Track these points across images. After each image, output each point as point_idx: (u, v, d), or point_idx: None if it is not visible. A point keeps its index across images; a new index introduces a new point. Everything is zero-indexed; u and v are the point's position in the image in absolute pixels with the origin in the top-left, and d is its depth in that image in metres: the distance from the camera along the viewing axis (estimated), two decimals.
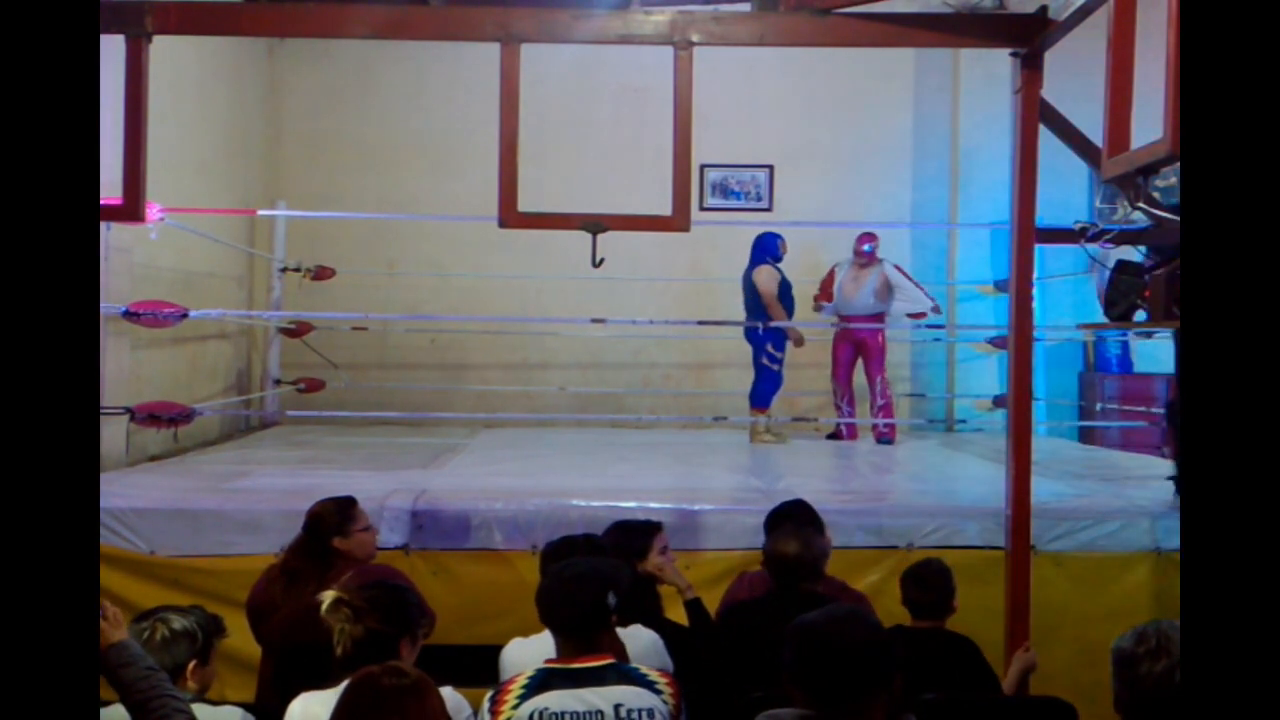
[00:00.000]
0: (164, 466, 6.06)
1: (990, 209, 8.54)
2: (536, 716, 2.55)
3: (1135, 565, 4.64)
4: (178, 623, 2.77)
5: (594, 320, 7.91)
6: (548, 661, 2.70)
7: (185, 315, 6.22)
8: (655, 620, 3.29)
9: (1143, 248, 4.09)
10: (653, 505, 4.62)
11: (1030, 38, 3.79)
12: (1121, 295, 4.17)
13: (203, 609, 2.93)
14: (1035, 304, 4.67)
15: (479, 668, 3.24)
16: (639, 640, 2.99)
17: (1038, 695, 3.57)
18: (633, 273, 7.96)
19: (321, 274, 8.62)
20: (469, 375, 9.11)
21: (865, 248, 7.68)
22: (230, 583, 4.14)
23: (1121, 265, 4.18)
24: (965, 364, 8.91)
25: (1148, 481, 5.38)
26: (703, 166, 8.85)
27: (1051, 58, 3.86)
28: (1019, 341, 4.03)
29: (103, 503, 3.92)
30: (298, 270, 8.57)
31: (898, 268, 7.78)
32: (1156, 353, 8.53)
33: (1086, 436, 8.65)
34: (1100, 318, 4.73)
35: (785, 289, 7.58)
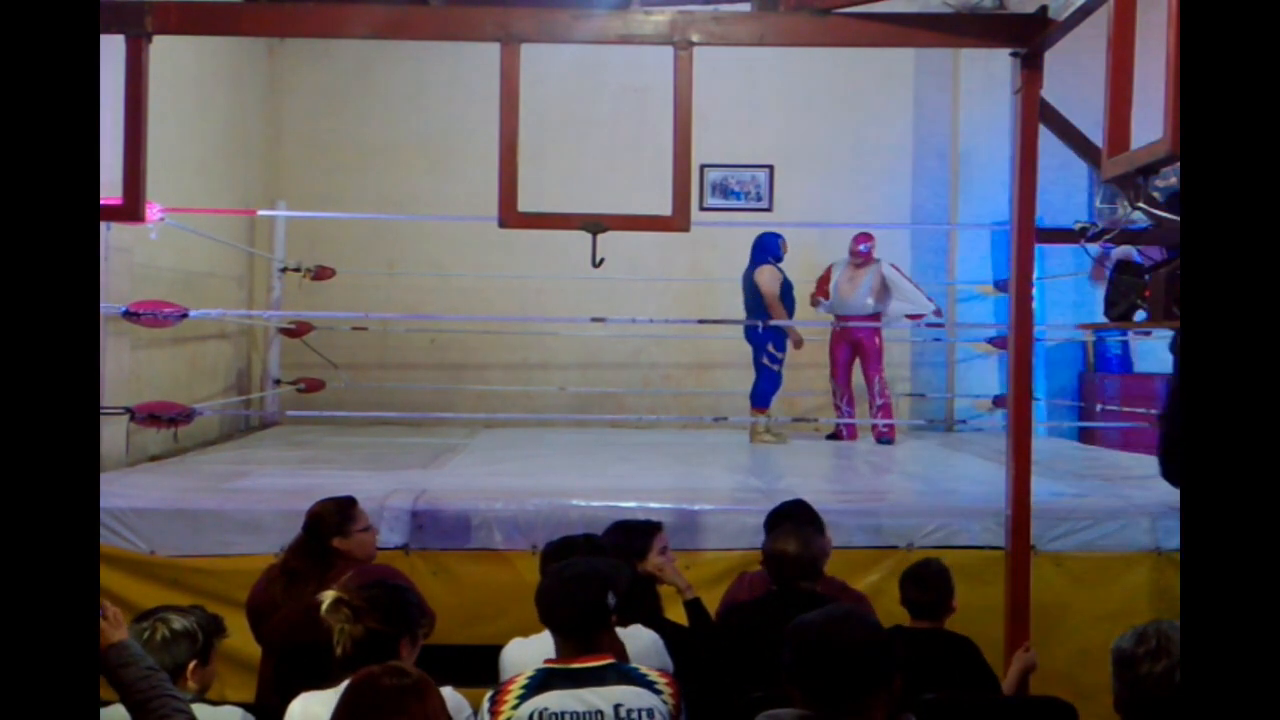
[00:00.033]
0: (164, 466, 6.06)
1: (990, 209, 8.54)
2: (536, 716, 2.55)
3: (1135, 565, 4.64)
4: (178, 623, 2.77)
5: (594, 319, 7.91)
6: (548, 661, 2.70)
7: (185, 315, 6.22)
8: (655, 620, 3.29)
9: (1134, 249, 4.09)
10: (653, 505, 4.62)
11: (1030, 38, 3.79)
12: (1121, 295, 4.17)
13: (203, 609, 2.93)
14: (1035, 304, 4.66)
15: (479, 668, 3.25)
16: (639, 640, 2.99)
17: (1038, 695, 3.57)
18: (633, 273, 7.97)
19: (321, 274, 8.62)
20: (469, 375, 9.11)
21: (861, 248, 7.67)
22: (230, 583, 4.14)
23: (1121, 265, 4.19)
24: (965, 364, 8.91)
25: (1148, 481, 5.37)
26: (703, 166, 8.85)
27: (1051, 58, 3.86)
28: (1019, 341, 4.03)
29: (103, 503, 3.92)
30: (298, 270, 8.57)
31: (897, 268, 7.78)
32: (1156, 353, 8.54)
33: (1086, 436, 8.65)
34: (1102, 317, 4.73)
35: (786, 289, 7.59)
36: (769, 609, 3.24)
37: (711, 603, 3.74)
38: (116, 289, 5.95)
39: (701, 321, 8.01)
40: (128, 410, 5.87)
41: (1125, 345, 9.02)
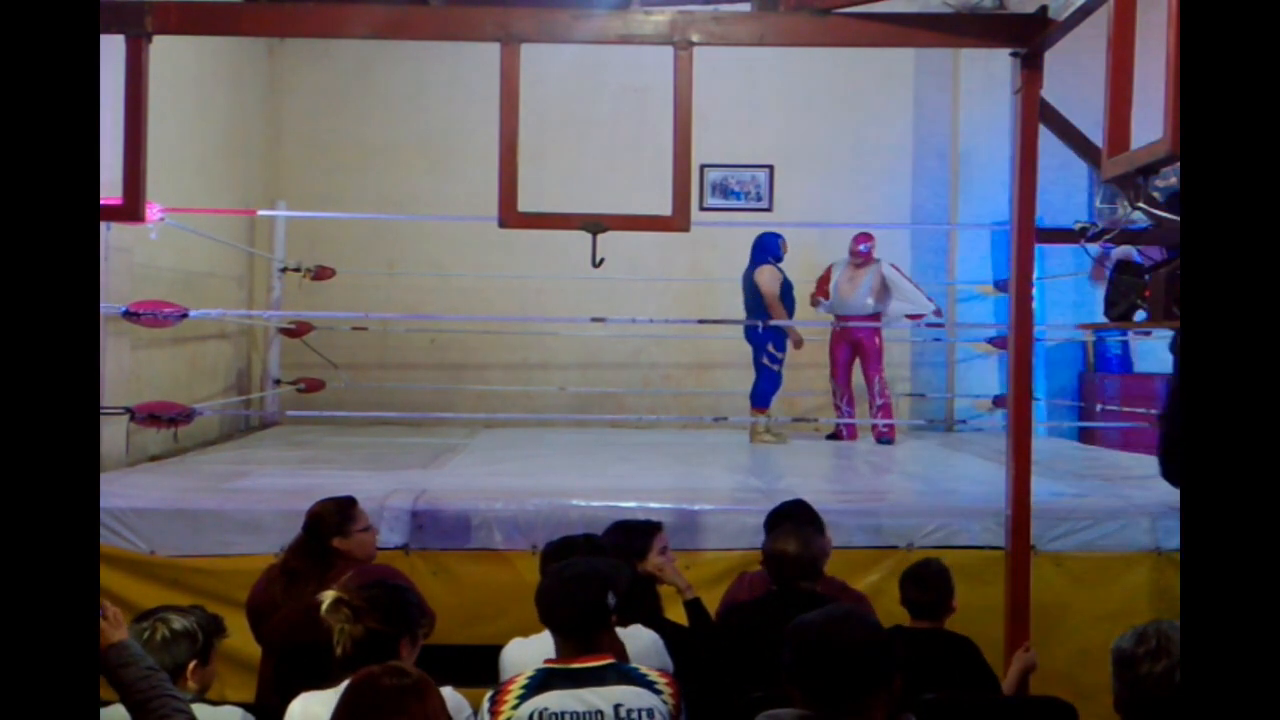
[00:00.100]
0: (164, 466, 6.06)
1: (990, 209, 8.54)
2: (536, 716, 2.55)
3: (1135, 565, 4.64)
4: (178, 623, 2.77)
5: (594, 319, 7.91)
6: (547, 661, 2.70)
7: (185, 315, 6.22)
8: (655, 620, 3.29)
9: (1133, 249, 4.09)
10: (653, 505, 4.62)
11: (1030, 38, 3.79)
12: (1121, 295, 4.17)
13: (203, 609, 2.93)
14: (1035, 304, 4.66)
15: (479, 668, 3.24)
16: (639, 640, 2.99)
17: (1038, 695, 3.57)
18: (633, 273, 7.96)
19: (321, 274, 8.62)
20: (469, 375, 9.11)
21: (861, 248, 7.68)
22: (230, 583, 4.14)
23: (1121, 265, 4.19)
24: (965, 364, 8.91)
25: (1148, 481, 5.36)
26: (703, 166, 8.85)
27: (1051, 58, 3.87)
28: (1019, 341, 4.03)
29: (103, 503, 3.92)
30: (298, 270, 8.57)
31: (897, 269, 7.78)
32: (1156, 353, 8.54)
33: (1086, 436, 8.65)
34: (1102, 317, 4.73)
35: (787, 289, 7.59)
36: (769, 609, 3.24)
37: (711, 603, 3.74)
38: (116, 289, 5.95)
39: (701, 321, 8.01)
40: (128, 410, 5.87)
41: (1125, 345, 9.02)
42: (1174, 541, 4.50)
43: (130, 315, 5.95)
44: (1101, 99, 2.85)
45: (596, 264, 3.86)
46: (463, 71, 8.72)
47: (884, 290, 7.64)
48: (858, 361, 7.81)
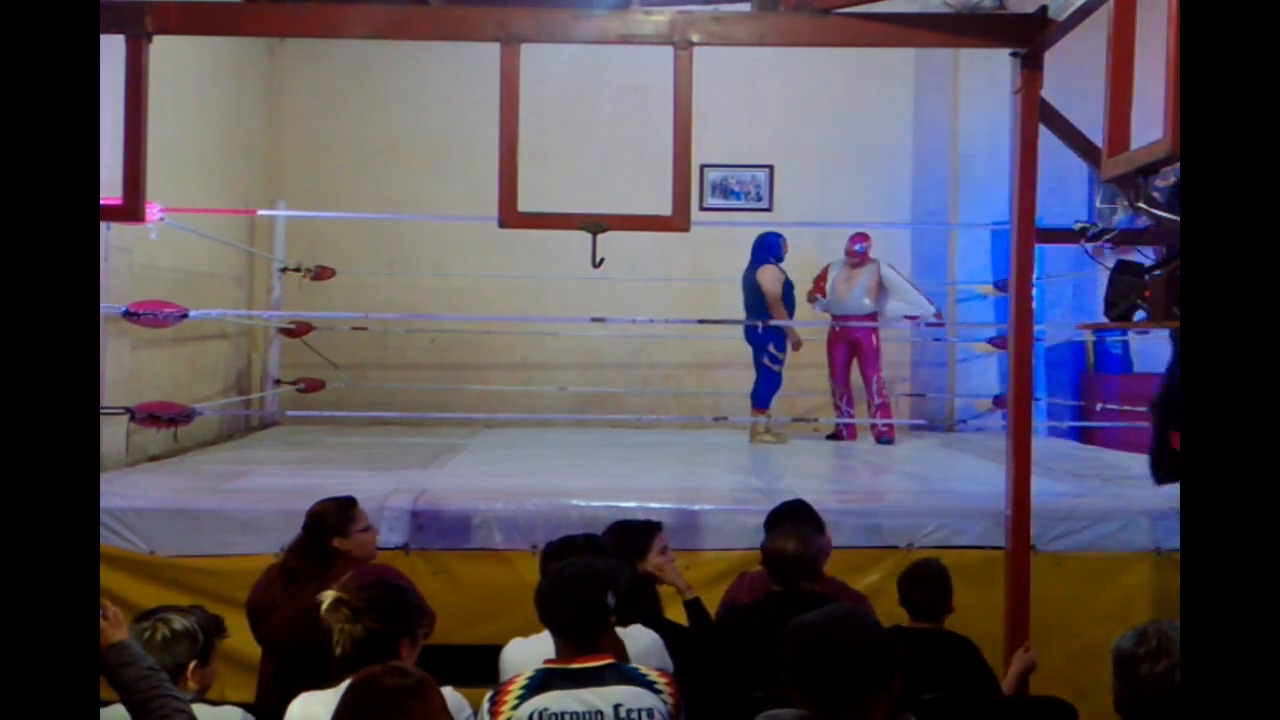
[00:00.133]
0: (164, 466, 6.06)
1: (990, 209, 8.54)
2: (536, 717, 2.55)
3: (1135, 565, 4.64)
4: (178, 623, 2.77)
5: (594, 319, 7.91)
6: (547, 662, 2.70)
7: (185, 315, 6.23)
8: (655, 620, 3.29)
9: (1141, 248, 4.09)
10: (653, 505, 4.62)
11: (1030, 38, 3.79)
12: (1121, 295, 4.16)
13: (203, 609, 2.93)
14: (1035, 304, 4.66)
15: (479, 668, 3.24)
16: (639, 640, 2.99)
17: (1038, 695, 3.57)
18: (633, 273, 7.96)
19: (321, 274, 8.62)
20: (469, 375, 9.11)
21: (857, 247, 7.69)
22: (230, 583, 4.14)
23: (1121, 265, 4.18)
24: (965, 364, 8.91)
25: (1148, 481, 5.37)
26: (703, 166, 8.85)
27: (1051, 58, 3.86)
28: (1019, 341, 4.03)
29: (103, 503, 3.92)
30: (298, 270, 8.57)
31: (897, 271, 7.79)
32: (1156, 353, 8.53)
33: (1086, 436, 8.65)
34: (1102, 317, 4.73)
35: (788, 289, 7.59)
36: (769, 609, 3.24)
37: (711, 603, 3.74)
38: (116, 289, 5.95)
39: (701, 321, 8.01)
40: (128, 410, 5.87)
41: (1125, 345, 9.02)
42: (1174, 541, 4.51)
43: (130, 315, 5.95)
44: (1101, 99, 2.85)
45: (596, 264, 3.86)
46: (463, 71, 8.71)
47: (880, 289, 7.64)
48: (856, 361, 7.81)
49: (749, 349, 7.72)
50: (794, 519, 3.62)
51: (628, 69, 8.54)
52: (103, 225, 4.45)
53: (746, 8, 3.96)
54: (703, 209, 8.85)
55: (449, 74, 8.95)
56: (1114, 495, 5.23)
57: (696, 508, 4.72)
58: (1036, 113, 3.93)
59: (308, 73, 9.31)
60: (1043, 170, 3.94)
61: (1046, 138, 4.03)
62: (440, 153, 9.14)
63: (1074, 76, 4.63)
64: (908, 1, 5.04)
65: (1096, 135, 3.19)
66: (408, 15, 3.88)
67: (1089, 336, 8.94)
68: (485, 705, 2.63)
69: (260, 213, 8.30)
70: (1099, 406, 8.29)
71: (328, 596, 2.66)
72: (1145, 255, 4.15)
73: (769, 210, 9.18)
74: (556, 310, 8.82)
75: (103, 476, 4.27)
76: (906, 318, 7.74)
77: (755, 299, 7.62)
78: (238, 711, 2.70)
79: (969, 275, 8.97)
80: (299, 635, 2.96)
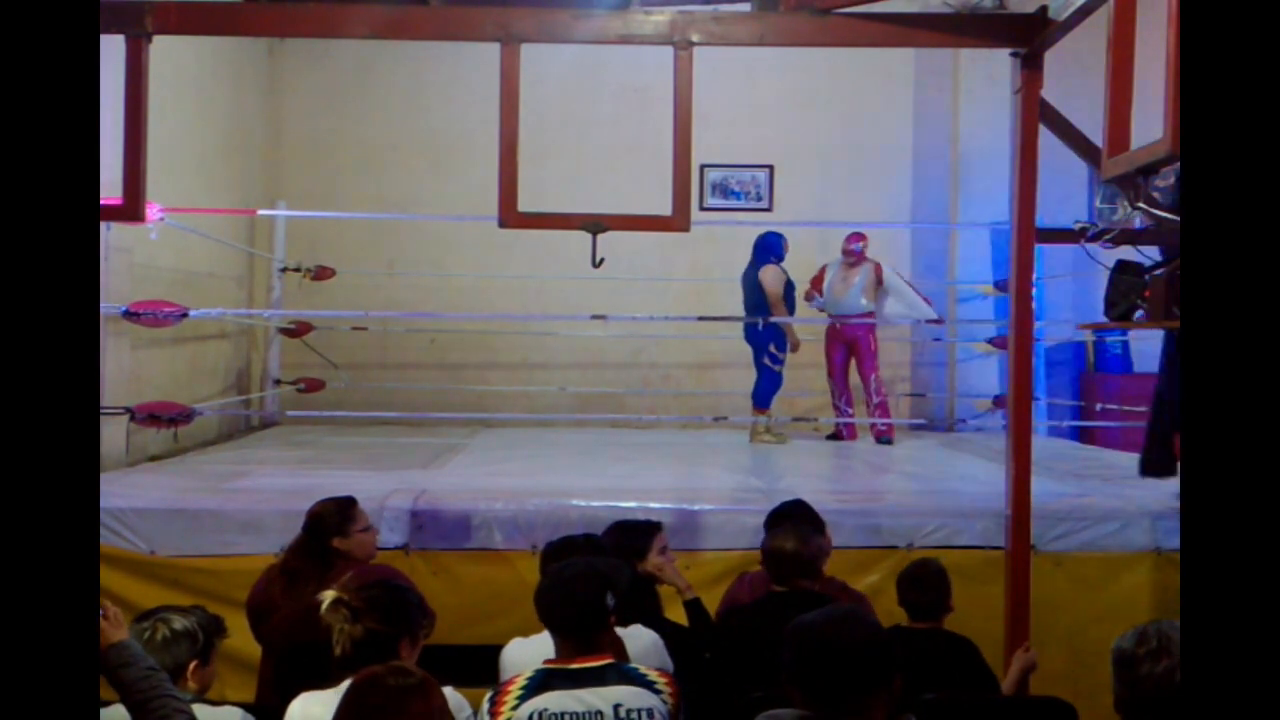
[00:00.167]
0: (164, 466, 6.06)
1: (990, 209, 8.53)
2: (536, 717, 2.55)
3: (1135, 565, 4.64)
4: (179, 623, 2.77)
5: (594, 317, 7.91)
6: (547, 662, 2.70)
7: (185, 315, 6.23)
8: (655, 620, 3.29)
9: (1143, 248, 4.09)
10: (653, 505, 4.62)
11: (1030, 38, 3.79)
12: (1121, 295, 4.16)
13: (204, 609, 2.93)
14: (1035, 304, 4.66)
15: (479, 668, 3.24)
16: (639, 640, 2.98)
17: (1037, 695, 3.57)
18: (633, 273, 7.96)
19: (321, 274, 8.62)
20: (469, 375, 9.11)
21: (854, 246, 7.69)
22: (230, 583, 4.15)
23: (1121, 265, 4.18)
24: (965, 364, 8.91)
25: (1148, 481, 5.38)
26: (703, 166, 8.85)
27: (1051, 58, 3.86)
28: (1019, 341, 4.03)
29: (103, 503, 3.92)
30: (298, 270, 8.57)
31: (898, 274, 7.79)
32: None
33: (1086, 436, 8.64)
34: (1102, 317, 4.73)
35: (789, 289, 7.60)
36: (769, 609, 3.24)
37: (711, 603, 3.74)
38: (116, 289, 5.95)
39: (701, 319, 8.00)
40: (128, 410, 5.87)
41: (1125, 345, 9.02)
42: (1174, 541, 4.50)
43: (130, 315, 5.96)
44: (1101, 99, 2.85)
45: (596, 264, 3.86)
46: (463, 71, 8.71)
47: (878, 289, 7.65)
48: (854, 361, 7.81)
49: (749, 349, 7.72)
50: (794, 519, 3.62)
51: (628, 69, 8.54)
52: (103, 225, 4.45)
53: (746, 8, 3.96)
54: (703, 209, 8.85)
55: (449, 74, 8.95)
56: (1114, 495, 5.23)
57: (696, 508, 4.72)
58: (1036, 113, 3.93)
59: (308, 73, 9.31)
60: (1043, 170, 3.94)
61: (1046, 137, 4.03)
62: (440, 153, 9.14)
63: (1074, 76, 4.63)
64: (908, 1, 5.04)
65: (1096, 135, 3.19)
66: (408, 15, 3.88)
67: (1089, 336, 8.94)
68: (485, 705, 2.62)
69: (260, 213, 8.30)
70: (1099, 406, 8.29)
71: (328, 596, 2.66)
72: (1145, 255, 4.14)
73: (769, 210, 9.17)
74: (556, 310, 8.82)
75: (103, 476, 4.26)
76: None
77: (756, 298, 7.62)
78: (238, 711, 2.70)
79: (969, 275, 8.97)
80: (299, 635, 2.96)
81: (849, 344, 7.75)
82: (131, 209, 3.73)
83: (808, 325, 7.87)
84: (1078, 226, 4.16)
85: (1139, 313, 3.99)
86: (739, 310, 7.76)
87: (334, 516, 3.51)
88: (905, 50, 8.74)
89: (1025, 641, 3.80)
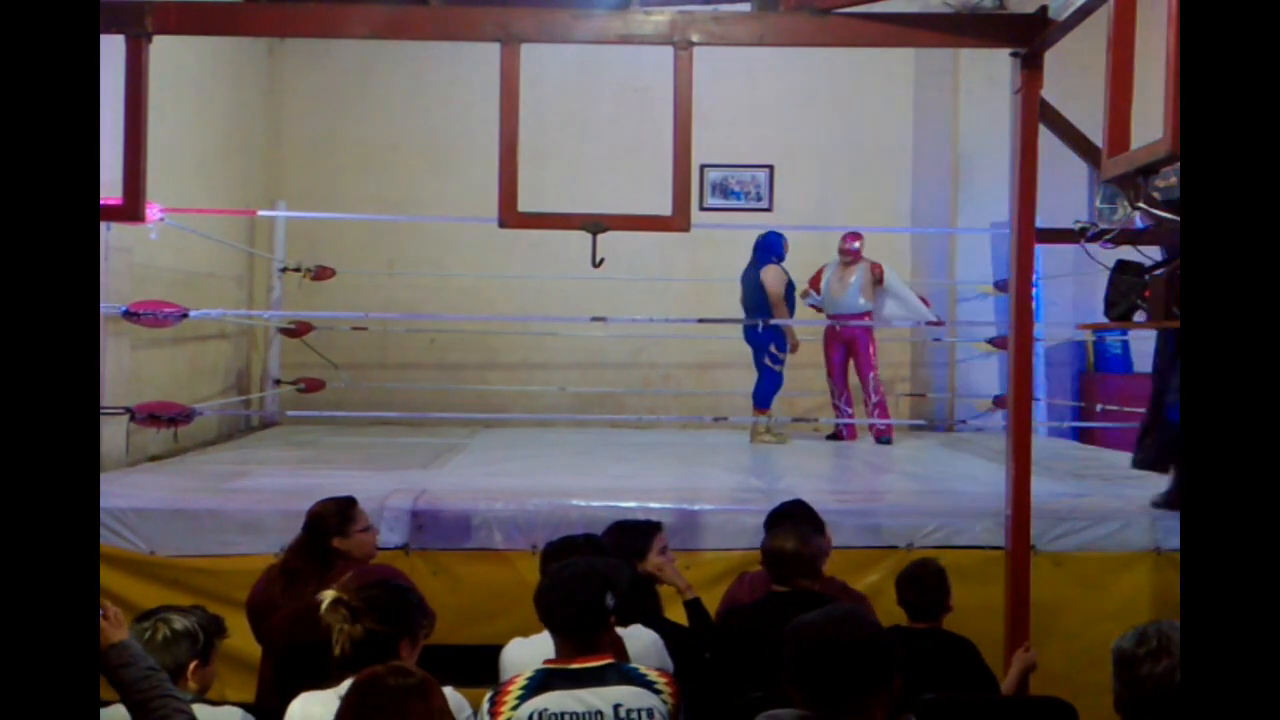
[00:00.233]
0: (164, 466, 6.06)
1: (990, 209, 8.53)
2: (536, 717, 2.55)
3: (1135, 565, 4.63)
4: (179, 623, 2.77)
5: (594, 319, 7.91)
6: (547, 662, 2.70)
7: (185, 315, 6.23)
8: (655, 620, 3.29)
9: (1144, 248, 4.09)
10: (653, 505, 4.62)
11: (1030, 38, 3.79)
12: (1121, 295, 4.16)
13: (204, 609, 2.93)
14: (1035, 304, 4.66)
15: (479, 668, 3.24)
16: (639, 640, 2.98)
17: (1038, 695, 3.57)
18: (633, 273, 7.96)
19: (321, 274, 8.62)
20: (469, 375, 9.11)
21: (851, 245, 7.69)
22: (230, 583, 4.14)
23: (1121, 265, 4.18)
24: (965, 364, 8.91)
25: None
26: (703, 166, 8.85)
27: (1051, 58, 3.86)
28: (1019, 341, 4.03)
29: (103, 503, 3.92)
30: (298, 270, 8.57)
31: (899, 277, 7.80)
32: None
33: (1086, 436, 8.64)
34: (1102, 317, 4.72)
35: (790, 289, 7.60)
36: (769, 609, 3.24)
37: (711, 603, 3.74)
38: (116, 289, 5.95)
39: (701, 321, 8.01)
40: (128, 410, 5.87)
41: (1125, 345, 9.02)
42: (1174, 541, 4.50)
43: (130, 315, 5.96)
44: (1101, 99, 2.85)
45: (596, 264, 3.86)
46: (463, 71, 8.72)
47: (875, 288, 7.65)
48: (852, 361, 7.81)
49: (749, 349, 7.72)
50: (794, 519, 3.62)
51: (628, 69, 8.54)
52: (103, 225, 4.45)
53: (746, 8, 3.95)
54: (703, 209, 8.85)
55: (449, 74, 8.95)
56: (1114, 495, 5.24)
57: (696, 508, 4.72)
58: (1036, 113, 3.93)
59: (308, 73, 9.31)
60: (1043, 170, 3.94)
61: (1046, 137, 4.03)
62: (440, 153, 9.14)
63: (1074, 76, 4.63)
64: (908, 1, 5.04)
65: (1096, 135, 3.19)
66: (408, 15, 3.88)
67: (1089, 336, 8.94)
68: (485, 705, 2.62)
69: (260, 213, 8.30)
70: (1099, 407, 8.28)
71: (327, 596, 2.66)
72: (1145, 255, 4.14)
73: (769, 210, 9.18)
74: (556, 310, 8.82)
75: (103, 476, 4.26)
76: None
77: (756, 299, 7.61)
78: (238, 711, 2.70)
79: (969, 275, 8.97)
80: (299, 635, 2.96)
81: (847, 343, 7.76)
82: (131, 209, 3.73)
83: (807, 326, 7.87)
84: (1078, 226, 4.16)
85: (1139, 313, 3.99)
86: (738, 310, 7.75)
87: (334, 516, 3.52)
88: (905, 50, 8.74)
89: (1025, 641, 3.80)
